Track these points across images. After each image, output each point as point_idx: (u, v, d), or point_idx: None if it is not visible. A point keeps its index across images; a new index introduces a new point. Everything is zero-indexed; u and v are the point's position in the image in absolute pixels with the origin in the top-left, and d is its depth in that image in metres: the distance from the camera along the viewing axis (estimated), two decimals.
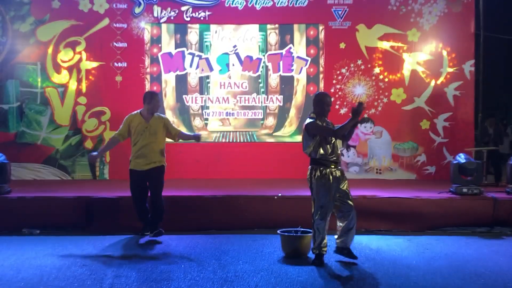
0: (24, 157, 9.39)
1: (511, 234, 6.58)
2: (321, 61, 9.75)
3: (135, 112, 6.21)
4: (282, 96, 9.73)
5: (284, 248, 5.44)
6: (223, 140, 9.72)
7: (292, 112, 9.74)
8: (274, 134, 9.74)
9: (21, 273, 4.79)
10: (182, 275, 4.74)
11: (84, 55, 9.57)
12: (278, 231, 5.51)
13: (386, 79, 9.77)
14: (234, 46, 9.73)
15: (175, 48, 9.69)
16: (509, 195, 7.02)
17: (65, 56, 9.55)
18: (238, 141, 9.71)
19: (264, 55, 9.71)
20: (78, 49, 9.56)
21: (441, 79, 9.75)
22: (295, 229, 5.56)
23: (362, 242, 6.07)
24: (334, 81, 9.72)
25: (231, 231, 6.52)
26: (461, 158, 7.25)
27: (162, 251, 5.63)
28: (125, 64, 9.60)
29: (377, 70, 9.75)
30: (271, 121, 9.75)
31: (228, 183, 8.51)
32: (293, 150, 8.94)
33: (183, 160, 9.46)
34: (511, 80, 20.49)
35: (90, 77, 9.59)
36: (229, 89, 9.74)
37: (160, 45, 9.68)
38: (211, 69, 9.72)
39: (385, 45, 9.74)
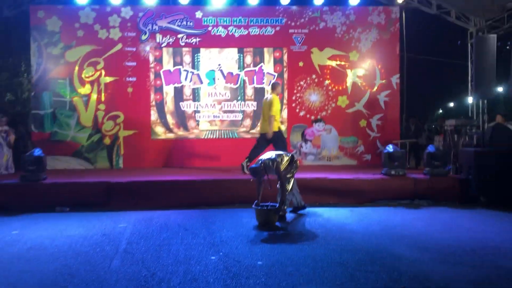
0: (56, 151, 9.21)
1: (426, 205, 6.64)
2: (285, 76, 9.73)
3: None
4: (256, 103, 9.65)
5: (257, 219, 5.41)
6: (212, 137, 9.62)
7: (263, 112, 9.54)
8: (250, 131, 9.67)
9: (55, 241, 4.70)
10: (180, 241, 4.68)
11: (103, 72, 9.41)
12: (253, 206, 5.46)
13: (334, 89, 9.79)
14: (219, 65, 9.64)
15: (173, 66, 9.57)
16: (426, 175, 7.06)
17: (88, 73, 9.38)
18: (223, 137, 9.62)
19: (241, 71, 9.63)
20: (98, 67, 9.39)
21: (375, 88, 9.81)
22: (266, 203, 5.52)
23: (316, 213, 6.06)
24: (295, 91, 9.73)
25: (218, 206, 6.48)
26: (390, 148, 7.26)
27: (164, 223, 5.55)
28: (134, 79, 9.46)
29: (327, 82, 9.77)
30: (248, 122, 9.66)
31: (216, 170, 8.43)
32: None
33: (179, 153, 9.44)
34: (427, 90, 20.95)
35: (108, 89, 9.43)
36: (215, 97, 9.64)
37: (161, 64, 9.56)
38: (201, 82, 9.62)
39: (333, 63, 9.77)
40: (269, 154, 5.43)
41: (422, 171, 7.38)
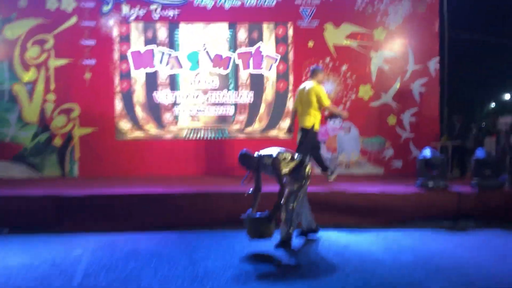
0: None
1: (474, 227, 6.67)
2: (290, 59, 9.77)
3: None
4: (252, 92, 9.71)
5: (248, 233, 5.41)
6: (194, 137, 9.66)
7: (262, 108, 9.72)
8: (245, 130, 9.71)
9: None
10: (153, 272, 4.68)
11: (52, 53, 9.40)
12: (241, 216, 5.46)
13: (354, 76, 9.82)
14: (204, 44, 9.68)
15: (145, 46, 9.59)
16: (474, 189, 7.09)
17: (33, 54, 9.36)
18: (209, 137, 9.66)
19: (233, 53, 9.69)
20: (46, 47, 9.37)
21: (407, 76, 9.84)
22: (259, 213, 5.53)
23: (331, 238, 6.09)
24: (303, 78, 9.68)
25: (202, 228, 6.49)
26: (427, 152, 7.28)
27: (133, 249, 5.54)
28: (93, 62, 9.46)
29: (344, 67, 9.80)
30: (242, 117, 9.72)
31: (198, 180, 8.47)
32: (267, 146, 8.95)
33: (152, 157, 9.49)
34: (475, 78, 20.89)
35: (59, 75, 9.41)
36: (199, 86, 9.68)
37: (129, 43, 9.57)
38: (180, 66, 9.65)
39: (352, 43, 9.80)
40: (271, 150, 5.50)
41: (469, 182, 7.41)
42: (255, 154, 5.47)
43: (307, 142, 7.60)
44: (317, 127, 7.75)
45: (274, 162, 5.38)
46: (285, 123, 9.63)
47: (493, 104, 26.48)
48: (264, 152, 5.50)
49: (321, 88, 7.67)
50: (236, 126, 9.72)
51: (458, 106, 10.62)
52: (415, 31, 9.84)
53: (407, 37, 9.86)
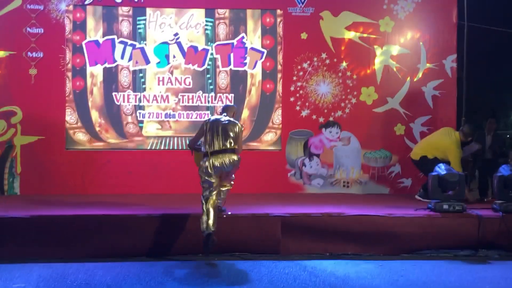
0: None
1: (498, 258, 6.69)
2: (279, 54, 9.81)
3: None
4: (233, 95, 9.75)
5: None
6: (163, 148, 9.66)
7: (245, 114, 9.76)
8: None
9: None
10: None
11: None
12: None
13: (355, 76, 9.88)
14: (176, 35, 9.69)
15: (103, 36, 9.60)
16: (496, 212, 7.09)
17: None
18: (180, 148, 9.62)
19: (211, 46, 9.71)
20: None
21: (419, 76, 9.90)
22: None
23: (327, 269, 6.08)
24: (294, 78, 9.79)
25: (172, 256, 6.48)
26: (441, 169, 7.30)
27: (85, 282, 5.49)
28: (41, 55, 9.43)
29: (344, 65, 9.86)
30: None
31: (167, 199, 8.44)
32: (247, 160, 8.82)
33: (112, 172, 9.41)
34: (500, 79, 20.84)
35: None
36: (169, 85, 9.69)
37: (84, 32, 9.56)
38: (147, 61, 9.65)
39: (353, 36, 9.85)
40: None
41: (491, 205, 7.42)
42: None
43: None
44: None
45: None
46: (272, 132, 9.73)
47: None
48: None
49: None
50: None
51: (479, 113, 10.53)
52: (428, 22, 9.91)
53: (419, 29, 9.92)
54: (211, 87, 9.74)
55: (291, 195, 9.09)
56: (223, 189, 6.94)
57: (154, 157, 9.60)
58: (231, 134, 6.69)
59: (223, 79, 9.78)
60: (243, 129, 7.12)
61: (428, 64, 9.92)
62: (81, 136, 9.53)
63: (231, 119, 6.88)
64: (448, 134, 8.60)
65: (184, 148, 9.33)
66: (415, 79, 9.92)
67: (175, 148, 9.65)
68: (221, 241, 6.37)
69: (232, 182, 7.06)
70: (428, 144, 8.73)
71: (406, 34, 9.95)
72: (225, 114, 6.98)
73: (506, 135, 10.77)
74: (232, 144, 6.70)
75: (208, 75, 9.75)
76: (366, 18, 9.85)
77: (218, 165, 6.62)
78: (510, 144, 10.29)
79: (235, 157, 6.73)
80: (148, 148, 9.64)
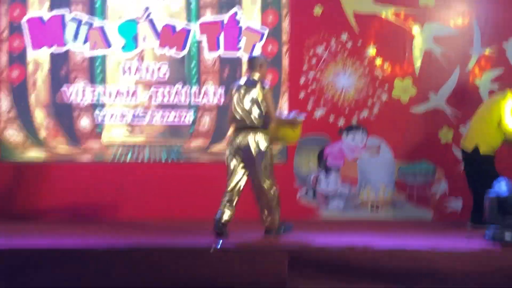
0: None
1: None
2: (285, 35, 9.59)
3: None
4: (223, 89, 9.51)
5: None
6: (130, 159, 9.43)
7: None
8: (210, 149, 9.48)
9: None
10: None
11: None
12: None
13: (386, 65, 9.67)
14: (146, 9, 9.47)
15: (50, 10, 9.38)
16: None
17: None
18: (153, 160, 9.42)
19: (194, 24, 9.49)
20: None
21: (471, 64, 9.68)
22: None
23: None
24: (305, 67, 9.56)
25: None
26: (503, 187, 7.13)
27: None
28: None
29: (372, 50, 9.67)
30: (206, 126, 9.49)
31: (136, 227, 8.31)
32: None
33: (59, 191, 9.21)
34: None
35: None
36: (138, 77, 9.47)
37: (25, 5, 9.37)
38: (108, 44, 9.45)
39: (384, 11, 9.65)
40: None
41: None
42: None
43: (489, 171, 8.14)
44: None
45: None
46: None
47: None
48: None
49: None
50: (196, 143, 9.48)
51: None
52: None
53: (470, 3, 9.73)
54: (195, 78, 9.51)
55: (302, 222, 8.71)
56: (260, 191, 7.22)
57: (116, 172, 9.42)
58: (250, 104, 7.02)
59: (209, 69, 9.57)
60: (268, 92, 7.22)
61: (483, 49, 9.68)
62: (18, 141, 9.34)
63: (255, 78, 7.17)
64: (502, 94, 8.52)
65: (156, 160, 9.38)
66: (466, 69, 9.70)
67: (145, 160, 9.48)
68: (208, 283, 6.27)
69: (269, 183, 7.12)
70: (481, 120, 8.53)
71: (453, 9, 9.72)
72: (250, 73, 7.29)
73: None
74: (254, 119, 7.02)
75: (191, 63, 9.53)
76: None
77: (236, 146, 7.09)
78: None
79: (258, 139, 7.00)
80: (110, 160, 9.45)
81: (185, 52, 9.45)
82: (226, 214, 7.10)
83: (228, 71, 9.51)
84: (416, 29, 9.60)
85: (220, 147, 9.30)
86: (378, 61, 9.59)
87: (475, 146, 8.25)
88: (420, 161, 9.57)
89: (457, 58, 9.61)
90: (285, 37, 9.52)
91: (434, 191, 9.55)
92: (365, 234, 7.62)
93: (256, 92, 7.00)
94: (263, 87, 7.07)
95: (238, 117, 7.06)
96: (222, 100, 9.40)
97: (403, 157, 9.57)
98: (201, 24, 9.45)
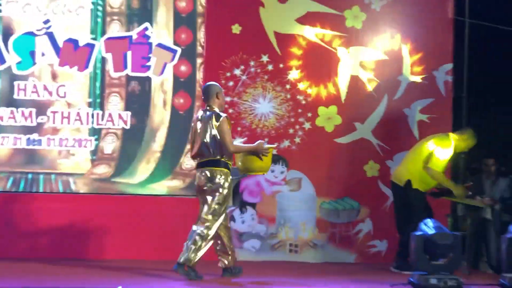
0: None
1: None
2: (199, 57, 9.53)
3: None
4: (129, 113, 9.36)
5: None
6: (16, 190, 9.16)
7: (149, 138, 9.40)
8: (114, 179, 9.32)
9: None
10: None
11: None
12: None
13: (310, 90, 9.65)
14: (46, 22, 9.25)
15: None
16: None
17: None
18: (46, 191, 9.16)
19: (98, 41, 9.35)
20: None
21: (400, 92, 9.75)
22: None
23: None
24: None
25: None
26: (429, 227, 7.12)
27: None
28: None
29: (295, 74, 9.63)
30: (109, 157, 9.36)
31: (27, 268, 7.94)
32: (141, 210, 9.04)
33: None
34: None
35: None
36: (32, 97, 9.23)
37: None
38: (1, 60, 9.16)
39: (308, 32, 9.66)
40: None
41: (498, 280, 7.25)
42: None
43: (420, 207, 8.57)
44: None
45: None
46: (188, 164, 9.38)
47: None
48: None
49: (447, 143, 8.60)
50: (98, 170, 9.32)
51: (486, 148, 10.28)
52: (414, 16, 9.88)
53: (401, 27, 9.82)
54: (98, 100, 9.34)
55: (212, 263, 8.31)
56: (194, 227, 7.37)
57: (8, 205, 9.11)
58: (206, 137, 7.21)
59: (115, 89, 9.41)
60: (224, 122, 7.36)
61: (413, 76, 9.78)
62: None
63: (211, 111, 7.33)
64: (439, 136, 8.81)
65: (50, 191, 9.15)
66: (394, 97, 9.77)
67: (33, 189, 9.17)
68: None
69: (207, 223, 7.26)
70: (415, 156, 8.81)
71: (382, 33, 9.83)
72: (207, 103, 7.47)
73: None
74: (213, 153, 7.21)
75: (94, 83, 9.38)
76: (327, 7, 9.73)
77: (196, 185, 7.46)
78: None
79: (211, 171, 7.23)
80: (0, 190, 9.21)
81: (88, 71, 9.27)
82: (223, 261, 7.34)
83: (136, 92, 9.37)
84: (342, 52, 9.61)
85: (126, 179, 9.25)
86: (301, 86, 9.56)
87: (407, 180, 8.49)
88: (343, 198, 9.58)
89: (385, 85, 9.66)
90: (199, 57, 9.45)
91: (357, 231, 9.55)
92: (283, 278, 7.61)
93: (212, 124, 7.14)
94: (218, 117, 7.18)
95: (197, 151, 7.26)
96: (129, 124, 9.29)
97: (325, 193, 9.55)
98: (106, 41, 9.31)
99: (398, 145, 9.65)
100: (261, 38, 9.54)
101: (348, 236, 9.56)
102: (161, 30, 9.44)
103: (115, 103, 9.37)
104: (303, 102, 9.59)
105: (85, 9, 9.29)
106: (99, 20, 9.37)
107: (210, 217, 7.17)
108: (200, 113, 7.48)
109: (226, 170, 7.29)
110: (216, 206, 7.19)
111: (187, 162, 9.37)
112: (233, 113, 9.43)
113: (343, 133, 9.62)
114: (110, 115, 9.31)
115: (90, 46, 9.28)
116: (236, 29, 9.46)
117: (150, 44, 9.39)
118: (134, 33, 9.35)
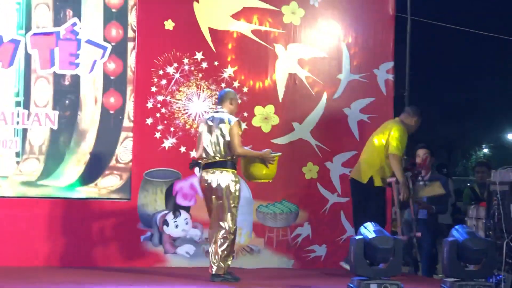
0: None
1: None
2: (132, 52, 9.73)
3: None
4: (57, 113, 9.50)
5: None
6: None
7: (77, 140, 9.55)
8: (40, 182, 9.46)
9: None
10: None
11: None
12: None
13: (246, 89, 9.96)
14: None
15: None
16: None
17: None
18: None
19: (24, 36, 9.45)
20: None
21: (339, 92, 10.07)
22: None
23: None
24: (153, 88, 9.72)
25: None
26: (370, 230, 7.27)
27: None
28: None
29: (230, 71, 9.91)
30: (35, 158, 9.47)
31: None
32: (69, 215, 9.15)
33: None
34: (460, 98, 21.42)
35: None
36: None
37: None
38: None
39: (244, 28, 9.93)
40: None
41: (439, 284, 7.55)
42: None
43: (377, 202, 9.13)
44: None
45: None
46: (115, 174, 9.60)
47: (484, 149, 27.28)
48: None
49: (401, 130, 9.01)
50: (24, 172, 9.43)
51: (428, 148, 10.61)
52: (354, 13, 10.16)
53: (341, 23, 10.12)
54: (22, 99, 9.46)
55: (145, 270, 8.96)
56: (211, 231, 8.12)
57: None
58: (215, 138, 7.95)
59: (42, 88, 9.51)
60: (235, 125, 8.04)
61: (352, 75, 10.10)
62: None
63: (223, 114, 8.07)
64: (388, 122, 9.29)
65: None
66: (334, 97, 10.07)
67: None
68: None
69: (225, 224, 7.94)
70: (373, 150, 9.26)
71: (321, 29, 10.10)
72: (220, 106, 8.24)
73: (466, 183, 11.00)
74: (221, 155, 7.92)
75: (19, 81, 9.48)
76: (264, 3, 9.98)
77: (203, 186, 8.16)
78: (468, 195, 10.43)
79: (224, 175, 7.93)
80: None
81: (12, 68, 9.33)
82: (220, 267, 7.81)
83: (62, 93, 9.48)
84: (280, 50, 9.87)
85: (54, 181, 9.34)
86: (237, 85, 9.78)
87: (370, 178, 8.98)
88: (281, 201, 9.83)
89: (325, 84, 9.97)
90: (130, 54, 9.61)
91: (295, 235, 9.80)
92: (216, 285, 7.74)
93: (223, 125, 7.84)
94: (231, 119, 7.87)
95: (204, 153, 7.97)
96: (56, 124, 9.37)
97: (261, 196, 9.77)
98: (32, 36, 9.35)
99: (338, 146, 9.92)
100: (195, 35, 9.70)
101: (286, 241, 9.76)
102: (90, 26, 9.50)
103: (42, 102, 9.45)
104: (239, 101, 9.41)
105: (9, 3, 9.33)
106: (22, 14, 9.38)
107: (228, 216, 7.86)
108: (208, 115, 8.27)
109: (233, 170, 7.95)
110: (232, 206, 7.90)
111: (123, 154, 9.54)
112: (166, 112, 9.62)
113: (280, 134, 9.86)
114: (36, 114, 9.37)
115: (15, 42, 9.30)
116: (169, 25, 9.61)
117: (79, 40, 9.46)
118: (62, 29, 9.41)
